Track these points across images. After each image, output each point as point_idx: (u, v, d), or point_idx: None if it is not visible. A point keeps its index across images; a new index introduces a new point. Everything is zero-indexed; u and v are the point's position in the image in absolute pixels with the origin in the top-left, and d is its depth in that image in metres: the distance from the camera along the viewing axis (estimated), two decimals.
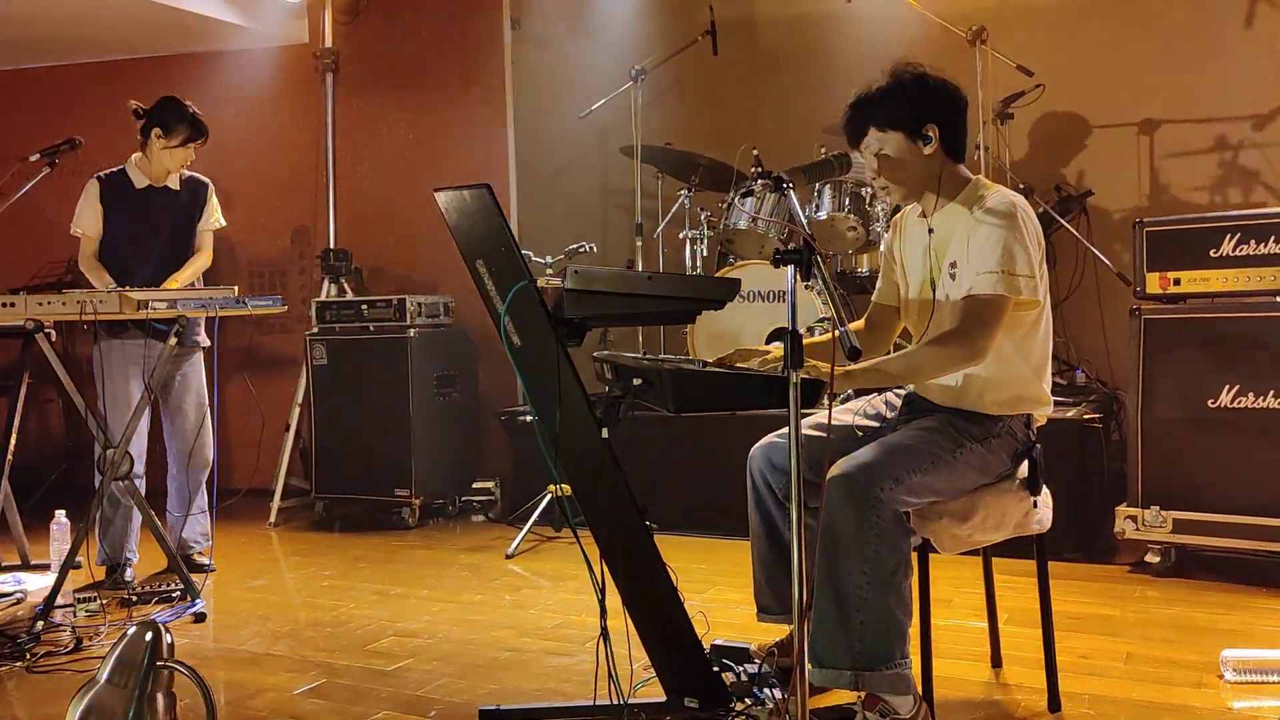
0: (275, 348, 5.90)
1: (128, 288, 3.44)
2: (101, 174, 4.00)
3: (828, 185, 4.53)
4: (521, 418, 4.84)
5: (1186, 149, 5.05)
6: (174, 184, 4.05)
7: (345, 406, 4.96)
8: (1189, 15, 4.89)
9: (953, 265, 2.35)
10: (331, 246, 5.62)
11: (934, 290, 2.41)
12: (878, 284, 2.63)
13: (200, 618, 3.44)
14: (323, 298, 5.29)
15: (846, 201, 4.55)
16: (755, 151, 4.90)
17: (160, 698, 2.07)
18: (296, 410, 5.31)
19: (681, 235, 5.03)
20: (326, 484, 5.02)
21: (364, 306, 4.96)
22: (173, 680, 2.10)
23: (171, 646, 2.11)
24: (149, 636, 2.06)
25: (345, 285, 5.42)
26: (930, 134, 2.36)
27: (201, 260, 4.10)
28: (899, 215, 2.59)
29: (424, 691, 2.72)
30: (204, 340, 4.07)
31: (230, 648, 3.15)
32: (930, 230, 2.42)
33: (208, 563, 4.08)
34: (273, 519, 5.04)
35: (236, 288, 3.63)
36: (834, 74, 5.00)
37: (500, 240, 2.17)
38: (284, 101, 5.93)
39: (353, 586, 3.85)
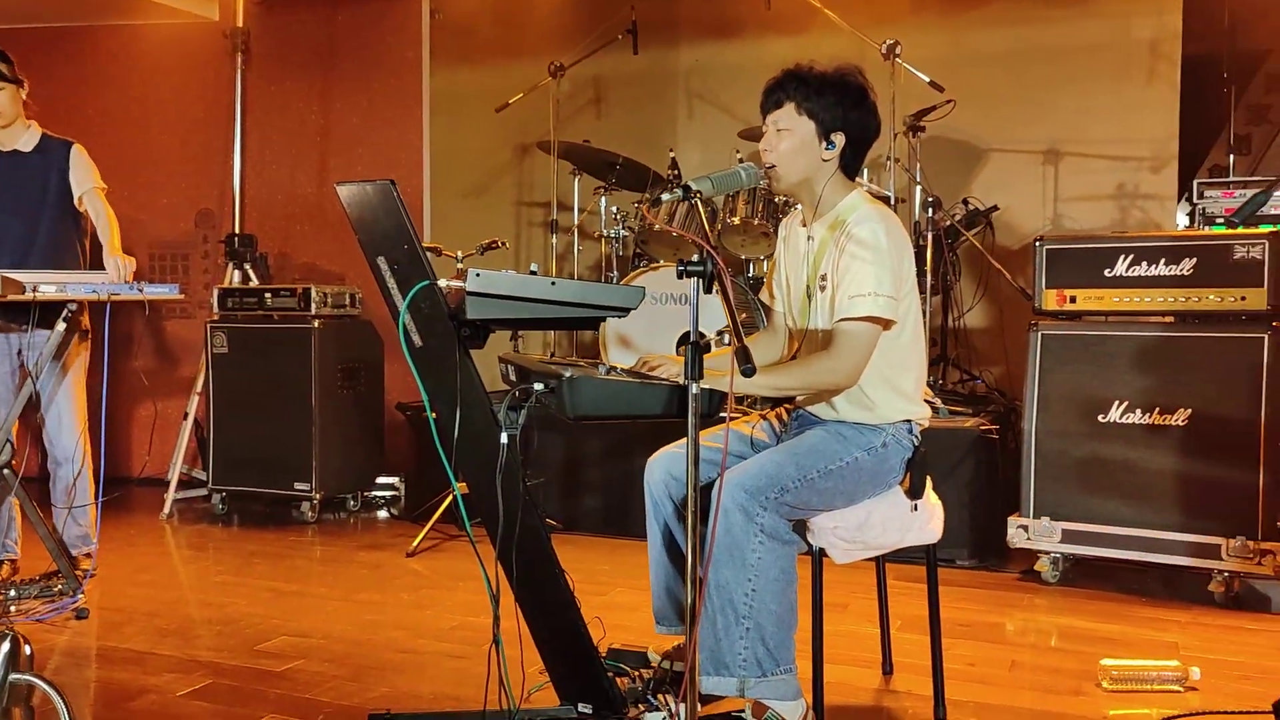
0: (175, 334, 5.72)
1: None
2: None
3: (743, 190, 4.56)
4: (425, 414, 4.78)
5: (1088, 171, 5.23)
6: (25, 146, 3.68)
7: (246, 397, 4.83)
8: (1097, 57, 5.08)
9: (823, 277, 2.39)
10: (236, 232, 5.48)
11: (810, 299, 2.45)
12: (772, 291, 2.66)
13: (82, 614, 3.31)
14: (226, 284, 5.15)
15: (760, 206, 4.60)
16: (672, 153, 4.92)
17: (18, 712, 1.97)
18: (195, 399, 5.17)
19: (597, 234, 5.02)
20: (224, 476, 4.89)
21: (268, 295, 4.84)
22: (31, 694, 2.00)
23: (31, 658, 2.00)
24: (6, 647, 1.95)
25: (250, 272, 5.28)
26: (836, 141, 2.39)
27: (104, 224, 3.70)
28: (784, 224, 2.63)
29: (313, 694, 2.66)
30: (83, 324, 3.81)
31: (112, 646, 3.04)
32: (809, 238, 2.46)
33: (87, 570, 3.83)
34: (167, 511, 4.88)
35: (133, 261, 3.48)
36: (753, 79, 5.04)
37: (403, 237, 2.13)
38: (191, 80, 5.75)
39: (246, 583, 3.75)
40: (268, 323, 4.85)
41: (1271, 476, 3.33)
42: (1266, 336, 3.35)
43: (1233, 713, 2.46)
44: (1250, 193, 3.69)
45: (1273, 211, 5.13)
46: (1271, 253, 3.36)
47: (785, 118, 2.39)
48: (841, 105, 2.37)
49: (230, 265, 5.29)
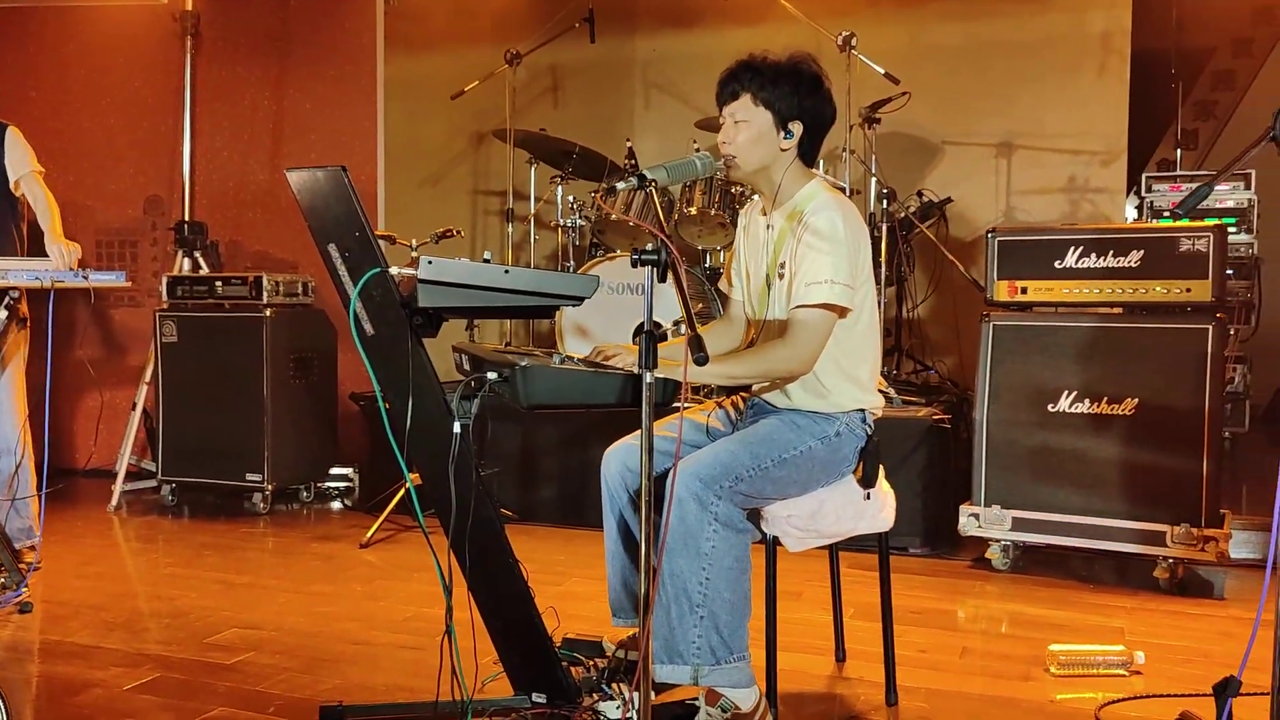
0: (123, 323, 5.61)
1: None
2: None
3: (700, 180, 4.57)
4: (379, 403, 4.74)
5: (1040, 164, 5.29)
6: None
7: (196, 387, 4.76)
8: (1050, 52, 5.14)
9: (782, 265, 2.41)
10: (186, 219, 5.38)
11: (769, 287, 2.46)
12: (731, 280, 2.66)
13: (25, 608, 3.24)
14: (175, 272, 5.06)
15: (717, 197, 4.61)
16: (629, 143, 4.91)
17: None
18: (144, 389, 5.08)
19: (554, 224, 5.00)
20: (174, 467, 4.81)
21: (218, 283, 4.76)
22: None
23: None
24: None
25: (200, 260, 5.20)
26: (794, 130, 2.40)
27: (44, 209, 3.61)
28: (744, 213, 2.63)
29: (264, 686, 2.63)
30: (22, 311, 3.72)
31: (56, 640, 2.99)
32: (769, 227, 2.47)
33: (31, 563, 3.75)
34: (115, 502, 4.80)
35: (78, 248, 3.40)
36: (710, 69, 5.04)
37: (354, 224, 2.10)
38: (139, 64, 5.64)
39: (196, 575, 3.70)
40: (218, 311, 4.78)
41: (1215, 465, 3.39)
42: (1211, 327, 3.41)
43: (1175, 695, 2.51)
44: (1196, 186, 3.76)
45: (1218, 205, 5.24)
46: (1216, 245, 3.42)
47: (742, 109, 2.39)
48: (797, 94, 2.38)
49: (180, 253, 5.20)
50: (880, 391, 2.56)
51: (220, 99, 5.58)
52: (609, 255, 4.65)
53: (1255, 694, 1.98)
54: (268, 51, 5.55)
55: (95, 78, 5.61)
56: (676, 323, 4.29)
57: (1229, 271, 4.86)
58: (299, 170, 2.18)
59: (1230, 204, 5.17)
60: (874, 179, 4.82)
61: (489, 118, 5.39)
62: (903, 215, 4.86)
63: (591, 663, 2.52)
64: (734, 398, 2.64)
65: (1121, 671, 2.70)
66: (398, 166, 5.42)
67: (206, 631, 3.06)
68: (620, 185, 2.24)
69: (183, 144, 5.47)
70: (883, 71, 4.59)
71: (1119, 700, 2.53)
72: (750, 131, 2.38)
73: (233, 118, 5.59)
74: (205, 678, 2.69)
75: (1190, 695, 2.46)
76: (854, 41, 4.56)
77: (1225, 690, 1.94)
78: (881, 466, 2.50)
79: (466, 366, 2.29)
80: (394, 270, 2.07)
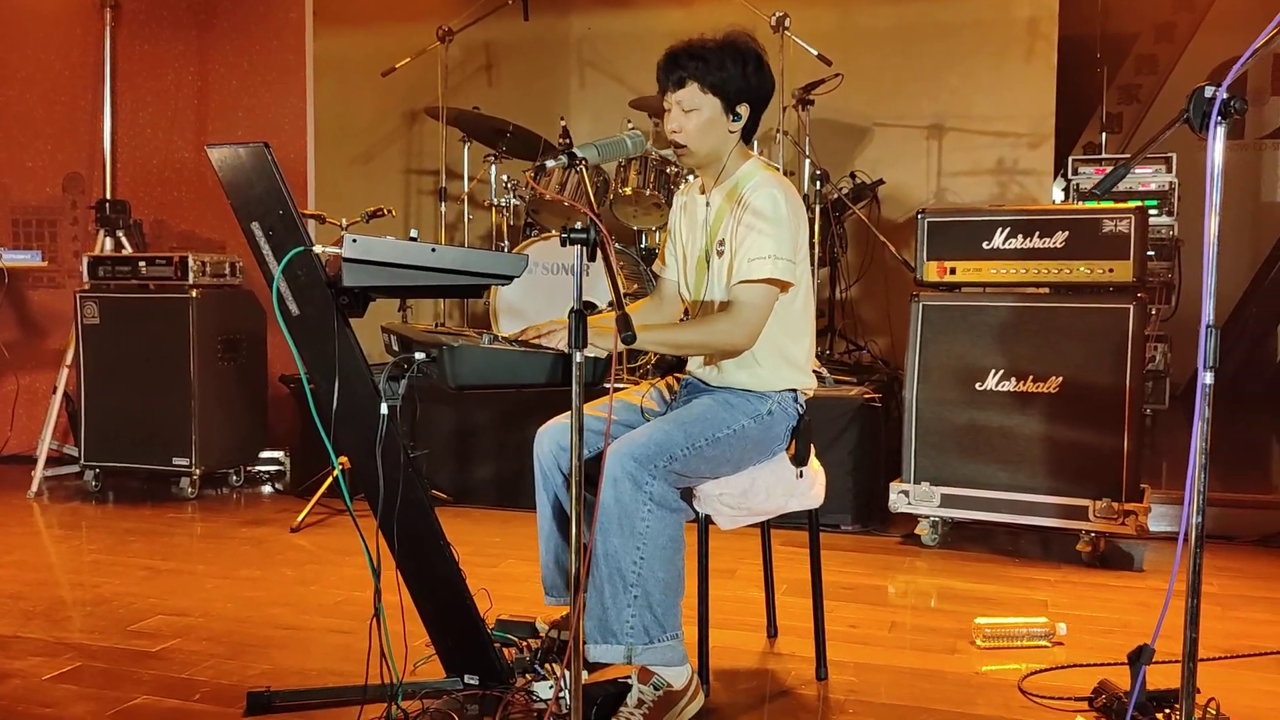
0: (41, 304, 5.45)
1: None
2: None
3: (634, 160, 4.56)
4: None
5: (970, 147, 5.37)
6: None
7: (120, 370, 4.63)
8: (979, 36, 5.21)
9: (721, 243, 2.42)
10: (108, 197, 5.23)
11: (709, 264, 2.46)
12: (666, 260, 2.66)
13: None
14: (97, 252, 4.92)
15: (652, 177, 4.60)
16: (563, 122, 4.88)
17: None
18: (65, 372, 4.93)
19: (488, 203, 4.95)
20: (98, 452, 4.69)
21: (142, 263, 4.63)
22: None
23: None
24: None
25: (123, 240, 5.06)
26: (741, 113, 2.40)
27: None
28: (681, 192, 2.63)
29: (190, 673, 2.59)
30: None
31: None
32: (708, 204, 2.48)
33: None
34: (35, 489, 4.66)
35: None
36: (644, 49, 5.03)
37: (277, 202, 2.06)
38: (55, 35, 5.45)
39: (120, 562, 3.61)
40: (143, 292, 4.66)
41: (1135, 441, 3.49)
42: (1132, 307, 3.49)
43: (1094, 665, 2.58)
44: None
45: (1141, 188, 5.37)
46: (1137, 227, 3.51)
47: (690, 97, 2.39)
48: (744, 75, 2.38)
49: (101, 232, 5.05)
50: (814, 371, 2.58)
51: (142, 74, 5.43)
52: (543, 235, 4.63)
53: (1168, 661, 2.04)
54: (190, 25, 5.40)
55: (9, 51, 5.41)
56: (611, 303, 4.28)
57: (1150, 253, 4.99)
58: (220, 146, 2.13)
59: (1153, 186, 5.30)
60: (808, 160, 4.85)
61: (421, 95, 5.32)
62: (836, 197, 4.90)
63: (525, 644, 2.51)
64: (668, 378, 2.65)
65: (1044, 643, 2.77)
66: (328, 144, 5.32)
67: (130, 619, 2.99)
68: (550, 164, 2.22)
69: (103, 120, 5.31)
70: (816, 53, 4.61)
71: (1041, 671, 2.60)
72: (700, 119, 2.38)
73: (156, 93, 5.44)
74: (128, 666, 2.64)
75: (1109, 664, 2.53)
76: (787, 23, 4.57)
77: (1139, 658, 2.00)
78: (813, 445, 2.53)
79: (395, 347, 2.26)
80: (318, 249, 2.03)
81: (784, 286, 2.35)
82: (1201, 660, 2.10)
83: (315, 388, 2.14)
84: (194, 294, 4.54)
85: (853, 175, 5.11)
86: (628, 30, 5.55)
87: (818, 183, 4.82)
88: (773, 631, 2.86)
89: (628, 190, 4.58)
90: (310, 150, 5.26)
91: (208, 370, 4.59)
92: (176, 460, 4.55)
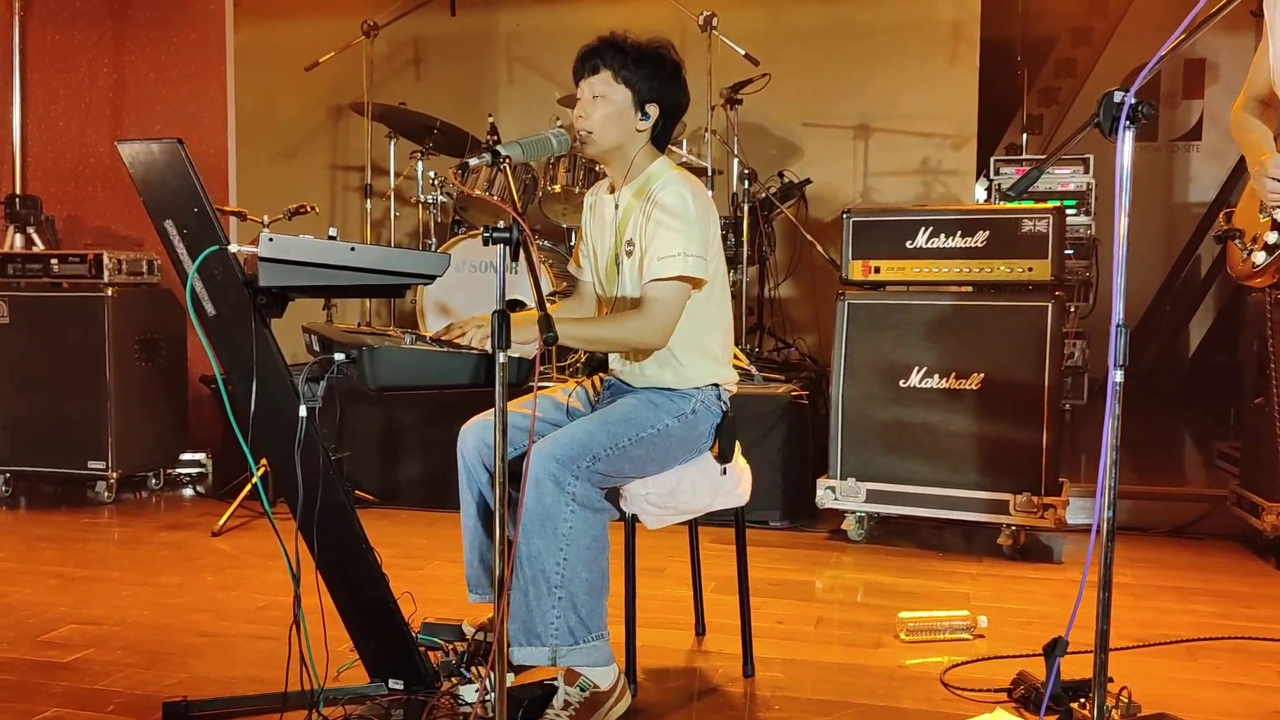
0: None
1: None
2: None
3: (563, 157, 4.54)
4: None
5: (896, 147, 5.45)
6: None
7: (32, 371, 4.49)
8: (903, 38, 5.28)
9: (629, 243, 2.42)
10: (18, 192, 5.06)
11: (618, 265, 2.47)
12: (580, 261, 2.66)
13: None
14: (6, 249, 4.75)
15: (581, 174, 4.58)
16: (491, 119, 4.84)
17: None
18: None
19: (415, 200, 4.89)
20: (9, 455, 4.53)
21: (54, 261, 4.49)
22: None
23: None
24: None
25: (34, 236, 4.90)
26: (650, 113, 2.41)
27: None
28: (590, 192, 2.64)
29: (104, 684, 2.51)
30: None
31: None
32: (616, 206, 2.48)
33: None
34: None
35: None
36: (573, 45, 5.02)
37: (192, 199, 2.01)
38: None
39: (30, 570, 3.50)
40: (55, 291, 4.51)
41: (1054, 436, 3.57)
42: (1050, 305, 3.57)
43: (1014, 656, 2.63)
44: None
45: (1060, 189, 5.50)
46: (1055, 227, 3.59)
47: (601, 84, 2.39)
48: (658, 78, 2.40)
49: (11, 229, 4.89)
50: (742, 369, 2.60)
51: (54, 65, 5.25)
52: (471, 232, 4.58)
53: (1082, 652, 2.09)
54: (105, 15, 5.25)
55: None
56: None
57: (1068, 252, 5.12)
58: (132, 142, 2.07)
59: (1071, 187, 5.44)
60: (735, 159, 4.88)
61: (347, 90, 5.24)
62: (764, 196, 4.93)
63: (451, 647, 2.49)
64: (592, 378, 2.64)
65: (966, 635, 2.82)
66: (250, 140, 5.21)
67: (40, 629, 2.90)
68: (473, 161, 2.20)
69: (12, 112, 5.14)
70: (743, 52, 4.64)
71: (963, 663, 2.65)
72: (608, 108, 2.38)
73: (69, 85, 5.27)
74: (38, 677, 2.55)
75: (1028, 655, 2.59)
76: (715, 22, 4.60)
77: (1054, 650, 2.05)
78: (738, 442, 2.54)
79: (316, 348, 2.22)
80: (234, 248, 1.98)
81: (696, 283, 2.36)
82: (1113, 650, 2.15)
83: (233, 389, 2.09)
84: (109, 293, 4.42)
85: (780, 174, 5.15)
86: (557, 27, 5.53)
87: (745, 182, 4.85)
88: (701, 629, 2.87)
89: (556, 188, 4.56)
90: (231, 145, 5.14)
91: (124, 371, 4.47)
92: (92, 464, 4.43)
